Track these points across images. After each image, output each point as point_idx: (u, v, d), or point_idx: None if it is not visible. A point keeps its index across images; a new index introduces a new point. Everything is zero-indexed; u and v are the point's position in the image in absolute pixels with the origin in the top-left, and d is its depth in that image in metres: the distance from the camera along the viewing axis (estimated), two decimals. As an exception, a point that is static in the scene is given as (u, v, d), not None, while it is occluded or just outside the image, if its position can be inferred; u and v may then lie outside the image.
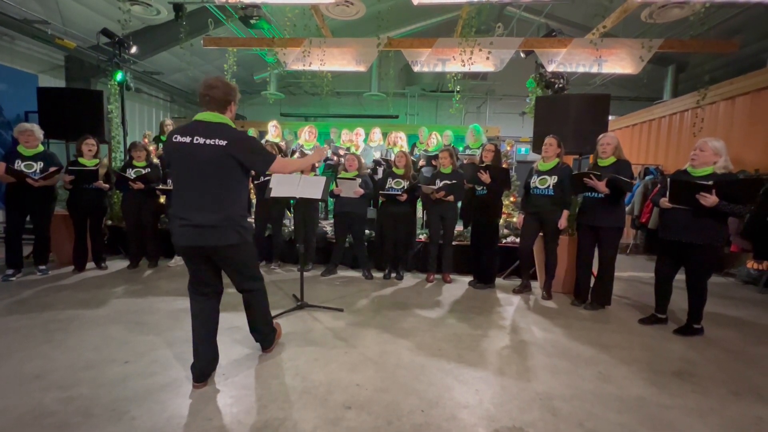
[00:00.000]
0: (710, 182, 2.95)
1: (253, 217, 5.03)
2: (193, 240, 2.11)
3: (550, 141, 4.02)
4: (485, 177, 4.19)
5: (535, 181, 4.06)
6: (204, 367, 2.28)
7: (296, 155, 5.95)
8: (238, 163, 2.13)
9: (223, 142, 2.07)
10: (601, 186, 3.53)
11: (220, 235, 2.12)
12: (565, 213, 4.01)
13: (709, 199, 2.92)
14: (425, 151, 6.30)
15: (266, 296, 2.57)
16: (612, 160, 3.67)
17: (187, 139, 2.07)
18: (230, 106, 2.22)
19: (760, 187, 2.81)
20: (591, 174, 3.59)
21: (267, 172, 2.20)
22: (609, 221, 3.66)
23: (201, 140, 2.06)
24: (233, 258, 2.25)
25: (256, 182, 4.84)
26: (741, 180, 2.90)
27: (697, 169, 3.13)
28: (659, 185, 4.04)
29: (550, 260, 4.14)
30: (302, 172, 4.92)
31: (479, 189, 4.41)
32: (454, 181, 4.41)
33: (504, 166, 4.63)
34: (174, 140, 2.10)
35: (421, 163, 6.07)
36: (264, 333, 2.64)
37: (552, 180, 3.96)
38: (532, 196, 4.09)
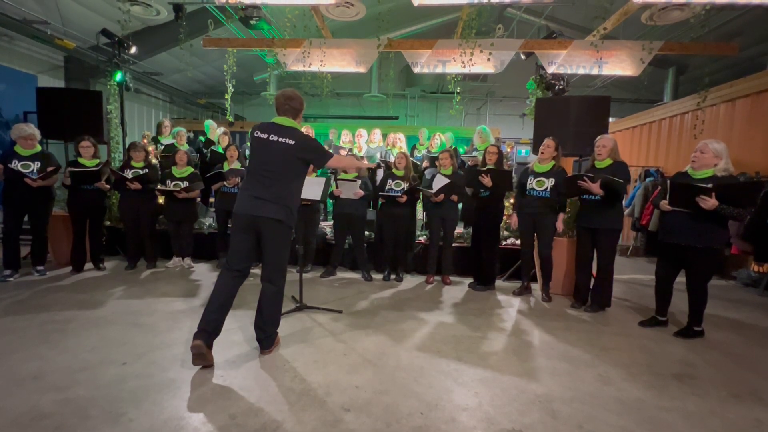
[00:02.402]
0: (709, 185, 2.94)
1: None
2: (250, 209, 2.53)
3: (548, 143, 4.02)
4: (486, 181, 4.19)
5: (532, 182, 4.06)
6: (208, 334, 2.44)
7: None
8: (301, 160, 2.61)
9: (292, 142, 2.55)
10: (595, 188, 3.53)
11: (270, 209, 2.52)
12: (561, 215, 4.01)
13: (709, 202, 2.90)
14: (428, 151, 6.29)
15: (282, 298, 2.74)
16: (608, 162, 3.67)
17: (265, 136, 2.58)
18: (300, 114, 2.75)
19: (760, 190, 2.80)
20: (584, 176, 3.60)
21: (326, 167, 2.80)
22: (606, 223, 3.66)
23: (275, 138, 2.56)
24: (276, 234, 2.57)
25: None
26: (740, 183, 2.89)
27: (698, 171, 3.12)
28: (660, 187, 4.04)
29: (545, 263, 4.13)
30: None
31: (482, 191, 4.40)
32: (450, 181, 4.39)
33: (505, 167, 4.62)
34: (255, 135, 2.62)
35: (425, 164, 6.05)
36: (268, 332, 2.69)
37: (549, 182, 3.96)
38: (528, 198, 4.09)
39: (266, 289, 2.66)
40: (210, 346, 2.46)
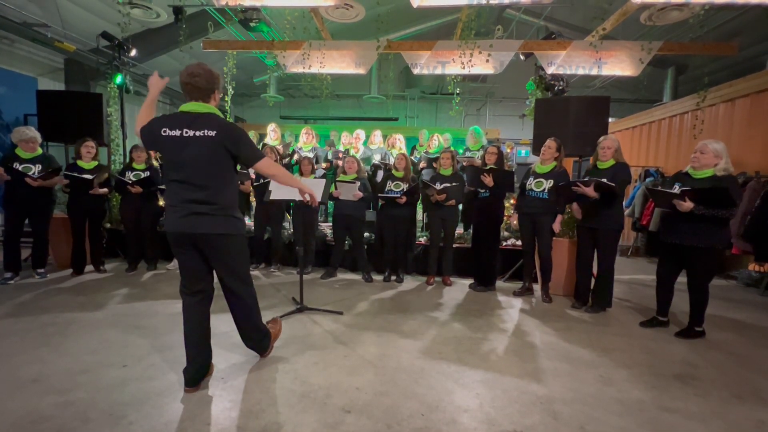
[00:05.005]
0: (678, 191, 3.02)
1: (252, 219, 5.02)
2: (184, 226, 2.10)
3: (549, 144, 4.03)
4: (488, 180, 4.19)
5: (531, 183, 4.07)
6: (196, 372, 2.25)
7: (295, 157, 5.96)
8: (227, 153, 2.12)
9: (212, 133, 2.06)
10: (590, 191, 3.54)
11: (211, 223, 2.11)
12: (559, 217, 4.02)
13: (684, 206, 2.97)
14: (426, 152, 6.30)
15: (256, 302, 2.47)
16: (611, 162, 3.67)
17: (177, 133, 2.06)
18: (214, 94, 2.19)
19: (728, 194, 2.89)
20: (577, 182, 3.62)
21: (252, 169, 2.24)
22: (607, 223, 3.66)
23: (190, 132, 2.05)
24: (224, 249, 2.19)
25: (255, 184, 4.83)
26: (707, 189, 2.96)
27: (698, 171, 3.13)
28: (659, 187, 4.06)
29: (544, 263, 4.13)
30: (302, 174, 4.94)
31: (482, 192, 4.40)
32: (455, 184, 4.40)
33: (506, 168, 4.63)
34: (163, 134, 2.07)
35: (422, 165, 6.07)
36: (256, 340, 2.55)
37: (548, 184, 3.96)
38: (527, 198, 4.10)
39: (234, 304, 2.37)
40: (203, 377, 2.31)
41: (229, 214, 2.17)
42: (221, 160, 2.12)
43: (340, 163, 5.50)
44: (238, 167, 2.31)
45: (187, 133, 2.05)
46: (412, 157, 6.36)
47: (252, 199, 5.19)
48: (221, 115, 2.18)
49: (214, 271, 2.30)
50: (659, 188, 3.27)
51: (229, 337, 2.89)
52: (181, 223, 2.10)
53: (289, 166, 5.75)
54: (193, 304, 2.24)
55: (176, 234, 2.14)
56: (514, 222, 4.34)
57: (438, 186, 4.41)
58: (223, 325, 2.93)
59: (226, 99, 5.74)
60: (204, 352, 2.29)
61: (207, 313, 2.29)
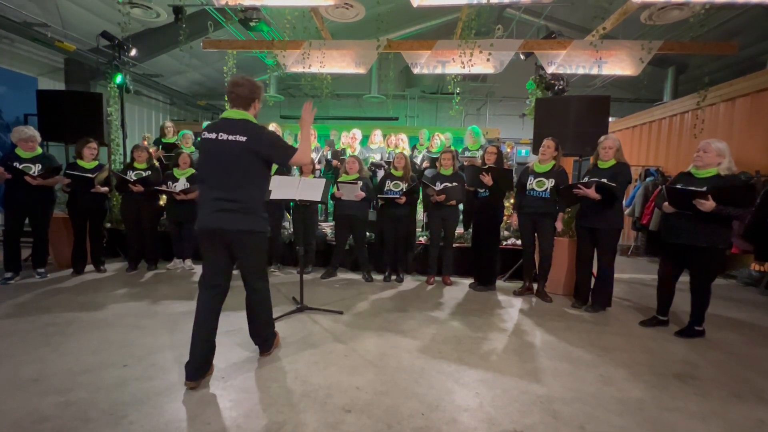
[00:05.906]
0: (704, 189, 2.95)
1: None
2: (211, 222, 2.26)
3: (548, 143, 4.03)
4: (487, 179, 4.19)
5: (532, 182, 4.07)
6: (200, 367, 2.29)
7: None
8: (258, 157, 2.28)
9: (243, 138, 2.22)
10: (591, 193, 3.54)
11: (240, 220, 2.27)
12: (561, 215, 4.02)
13: (706, 205, 2.92)
14: (428, 151, 6.29)
15: (270, 300, 2.61)
16: (612, 162, 3.67)
17: (213, 136, 2.26)
18: (254, 103, 2.38)
19: (755, 192, 2.84)
20: (578, 185, 3.62)
21: (290, 164, 2.38)
22: (606, 223, 3.66)
23: (224, 136, 2.24)
24: (250, 245, 2.36)
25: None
26: (734, 186, 2.93)
27: (701, 170, 3.12)
28: (660, 187, 4.06)
29: (545, 262, 4.14)
30: (302, 173, 4.94)
31: (482, 191, 4.40)
32: (455, 184, 4.40)
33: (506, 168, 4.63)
34: (203, 136, 2.30)
35: (425, 164, 6.06)
36: (264, 337, 2.66)
37: (549, 183, 3.97)
38: (528, 198, 4.10)
39: (251, 298, 2.53)
40: (205, 373, 2.35)
41: (256, 213, 2.33)
42: (248, 164, 2.27)
43: (338, 164, 5.50)
44: None
45: (221, 136, 2.24)
46: (415, 159, 6.35)
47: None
48: (255, 122, 2.34)
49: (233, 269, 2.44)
50: (685, 187, 3.09)
51: (230, 337, 2.90)
52: (209, 219, 2.27)
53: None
54: (207, 299, 2.34)
55: (205, 230, 2.30)
56: (514, 222, 4.35)
57: (438, 186, 4.41)
58: (224, 325, 2.92)
59: (226, 99, 5.73)
60: (208, 347, 2.35)
61: (218, 310, 2.38)
